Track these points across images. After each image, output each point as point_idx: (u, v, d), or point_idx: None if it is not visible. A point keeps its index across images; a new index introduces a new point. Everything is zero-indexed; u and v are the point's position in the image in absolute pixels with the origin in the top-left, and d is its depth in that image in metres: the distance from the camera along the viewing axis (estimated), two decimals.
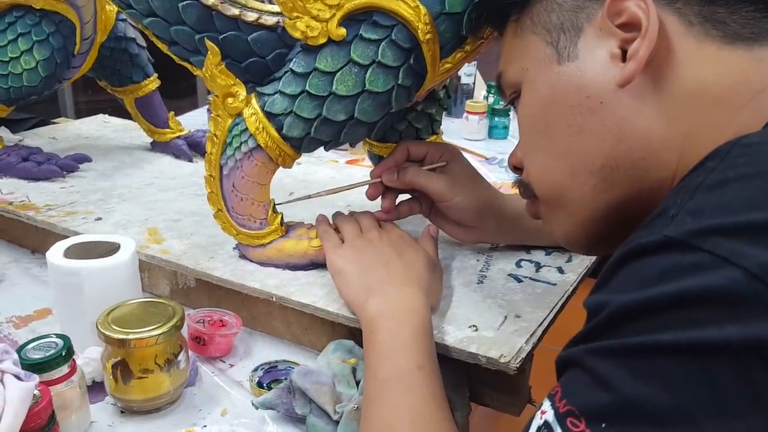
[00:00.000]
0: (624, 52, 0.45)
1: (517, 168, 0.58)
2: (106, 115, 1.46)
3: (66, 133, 1.32)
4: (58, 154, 1.08)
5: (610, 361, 0.32)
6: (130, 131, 1.32)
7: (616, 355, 0.32)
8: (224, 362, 0.70)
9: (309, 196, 0.79)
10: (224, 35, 0.72)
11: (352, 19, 0.66)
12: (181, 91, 3.09)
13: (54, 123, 1.41)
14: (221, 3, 0.71)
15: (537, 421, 0.35)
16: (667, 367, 0.30)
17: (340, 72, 0.66)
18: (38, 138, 1.27)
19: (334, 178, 1.11)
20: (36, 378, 0.51)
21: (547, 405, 0.35)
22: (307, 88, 0.68)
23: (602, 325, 0.34)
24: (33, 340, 0.57)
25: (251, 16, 0.71)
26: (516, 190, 0.64)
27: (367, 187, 0.79)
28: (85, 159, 1.10)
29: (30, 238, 0.92)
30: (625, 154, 0.46)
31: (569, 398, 0.34)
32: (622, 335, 0.32)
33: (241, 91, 0.71)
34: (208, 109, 1.60)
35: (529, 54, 0.51)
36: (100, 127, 1.38)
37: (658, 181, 0.45)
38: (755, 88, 0.41)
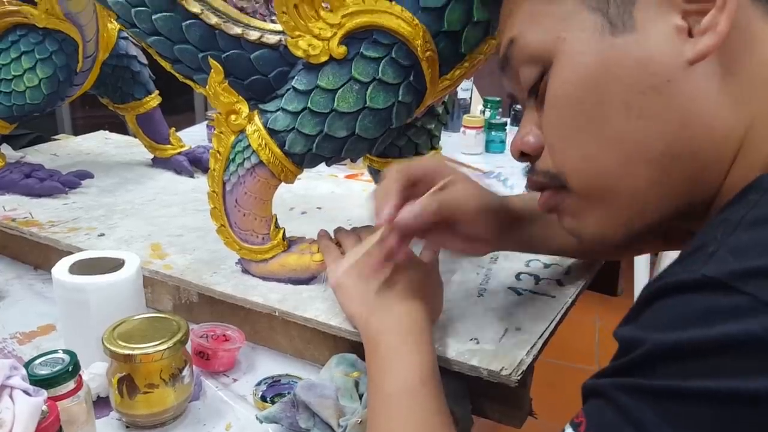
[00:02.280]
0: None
1: (524, 155, 0.52)
2: (107, 131, 1.47)
3: (67, 149, 1.33)
4: (59, 170, 1.09)
5: (645, 401, 0.32)
6: (131, 147, 1.33)
7: (651, 396, 0.32)
8: (228, 377, 0.70)
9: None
10: (227, 54, 0.73)
11: (353, 37, 0.67)
12: (179, 106, 3.11)
13: (55, 140, 1.42)
14: (224, 22, 0.73)
15: None
16: (703, 415, 0.29)
17: (341, 89, 0.68)
18: (40, 155, 1.28)
19: (333, 192, 1.12)
20: (44, 393, 0.51)
21: None
22: (309, 105, 0.69)
23: (639, 362, 0.33)
24: (40, 355, 0.57)
25: (254, 35, 0.72)
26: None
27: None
28: (87, 175, 1.11)
29: (32, 254, 0.92)
30: (687, 142, 0.41)
31: (595, 431, 0.33)
32: (658, 376, 0.32)
33: (244, 109, 0.72)
34: (208, 125, 1.62)
35: (566, 21, 0.44)
36: (101, 143, 1.39)
37: (709, 183, 0.42)
38: None
